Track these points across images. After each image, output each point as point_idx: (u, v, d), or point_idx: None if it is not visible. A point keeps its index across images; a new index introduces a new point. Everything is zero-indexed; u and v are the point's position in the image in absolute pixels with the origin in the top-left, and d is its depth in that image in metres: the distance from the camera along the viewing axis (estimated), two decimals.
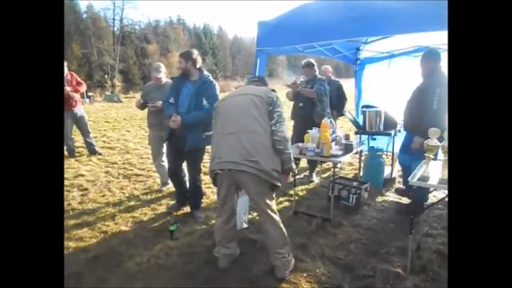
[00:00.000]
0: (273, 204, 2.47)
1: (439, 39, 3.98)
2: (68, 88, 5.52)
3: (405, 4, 2.44)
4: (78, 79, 5.91)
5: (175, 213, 3.54)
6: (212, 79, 3.34)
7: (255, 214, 3.52)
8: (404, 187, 4.00)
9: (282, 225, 2.47)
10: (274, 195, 2.54)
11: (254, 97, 2.41)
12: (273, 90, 2.51)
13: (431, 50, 3.63)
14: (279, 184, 2.44)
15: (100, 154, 6.04)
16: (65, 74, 5.56)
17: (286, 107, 3.24)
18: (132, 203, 3.83)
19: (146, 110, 4.06)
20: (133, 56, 46.29)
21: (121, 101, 16.93)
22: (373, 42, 4.60)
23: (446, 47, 4.29)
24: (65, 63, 5.64)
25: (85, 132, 6.01)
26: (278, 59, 56.99)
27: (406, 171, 3.81)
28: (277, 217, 2.45)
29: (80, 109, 5.87)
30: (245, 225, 3.19)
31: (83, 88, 6.06)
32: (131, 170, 5.14)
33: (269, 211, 2.41)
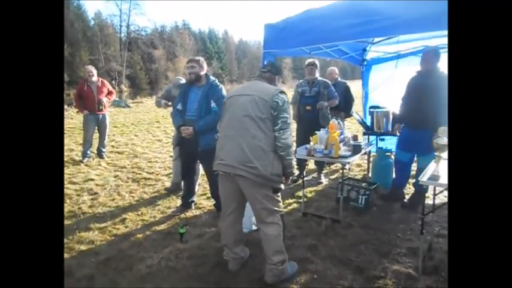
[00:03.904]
0: (275, 206, 2.38)
1: (445, 39, 3.97)
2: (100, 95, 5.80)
3: (410, 4, 2.44)
4: (110, 88, 6.14)
5: (184, 216, 3.55)
6: (218, 83, 3.45)
7: None
8: (389, 190, 4.02)
9: (279, 233, 2.37)
10: (279, 197, 2.44)
11: (258, 99, 2.30)
12: (282, 92, 2.35)
13: (434, 48, 3.63)
14: (282, 187, 2.42)
15: (103, 158, 6.12)
16: (95, 79, 5.83)
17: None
18: (141, 207, 3.85)
19: (163, 111, 4.14)
20: (140, 61, 46.81)
21: (129, 106, 17.07)
22: (379, 43, 4.58)
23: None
24: (95, 70, 5.97)
25: (102, 137, 6.11)
26: (284, 61, 57.11)
27: (402, 167, 3.81)
28: (275, 223, 2.36)
29: (105, 113, 6.02)
30: (254, 227, 3.18)
31: (113, 97, 6.34)
32: (140, 174, 5.18)
33: (265, 215, 2.35)
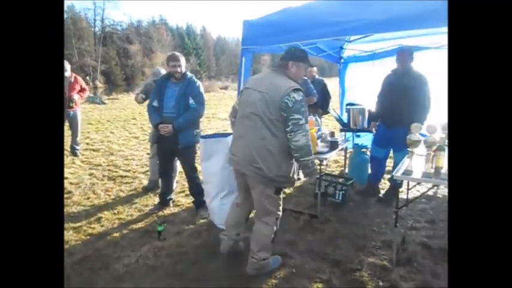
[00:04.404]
0: (273, 208, 2.41)
1: (420, 39, 4.11)
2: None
3: (386, 4, 2.52)
4: (83, 85, 5.86)
5: (162, 213, 3.51)
6: (196, 79, 3.42)
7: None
8: (365, 185, 4.14)
9: (270, 234, 2.43)
10: (281, 199, 2.47)
11: (268, 98, 2.21)
12: (295, 90, 2.20)
13: (409, 48, 3.75)
14: (285, 187, 2.45)
15: (77, 156, 5.93)
16: (68, 75, 5.52)
17: None
18: (118, 205, 3.77)
19: (140, 108, 4.04)
20: (116, 57, 45.60)
21: (104, 103, 16.58)
22: (355, 41, 4.67)
23: (426, 46, 4.42)
24: (68, 65, 5.62)
25: (74, 134, 5.91)
26: (262, 58, 57.12)
27: (378, 163, 3.93)
28: (269, 224, 2.42)
29: (76, 110, 5.80)
30: None
31: (86, 94, 6.05)
32: (116, 171, 5.07)
33: (262, 214, 2.43)
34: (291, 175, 2.37)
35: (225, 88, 29.08)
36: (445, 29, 3.43)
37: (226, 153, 3.02)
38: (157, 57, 42.88)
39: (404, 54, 3.58)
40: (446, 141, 2.29)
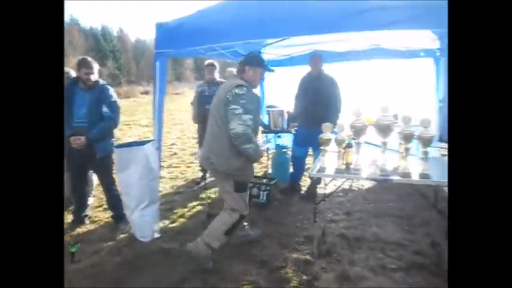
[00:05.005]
0: (232, 204, 2.52)
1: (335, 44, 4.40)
2: None
3: (302, 6, 2.47)
4: None
5: (77, 232, 3.20)
6: (109, 86, 3.22)
7: (167, 222, 3.41)
8: (288, 184, 4.33)
9: (223, 225, 2.53)
10: (242, 196, 2.53)
11: (219, 96, 2.44)
12: (238, 86, 2.35)
13: (320, 52, 4.02)
14: (244, 181, 2.51)
15: None
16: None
17: None
18: None
19: None
20: None
21: None
22: (272, 45, 4.81)
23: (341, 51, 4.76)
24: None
25: None
26: (186, 62, 56.12)
27: (298, 162, 4.15)
28: (225, 217, 2.55)
29: None
30: (157, 235, 3.05)
31: None
32: None
33: (224, 206, 2.60)
34: (243, 168, 2.44)
35: (146, 93, 27.72)
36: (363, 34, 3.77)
37: (145, 162, 2.87)
38: (70, 61, 39.23)
39: (316, 59, 3.83)
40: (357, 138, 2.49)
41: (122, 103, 3.32)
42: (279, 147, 4.71)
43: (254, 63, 2.56)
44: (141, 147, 2.89)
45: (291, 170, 4.40)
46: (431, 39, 4.37)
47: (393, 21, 2.19)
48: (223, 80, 4.65)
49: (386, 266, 2.55)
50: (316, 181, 3.08)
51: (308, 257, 2.70)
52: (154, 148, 2.99)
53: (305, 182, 4.46)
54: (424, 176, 2.25)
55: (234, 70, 3.25)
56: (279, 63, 5.37)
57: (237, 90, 2.34)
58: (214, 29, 2.76)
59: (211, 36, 2.79)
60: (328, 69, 3.99)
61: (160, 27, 2.96)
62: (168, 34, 2.92)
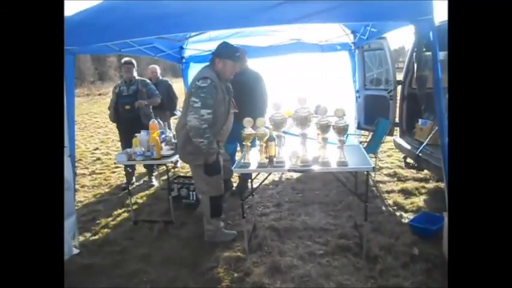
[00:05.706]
0: (202, 186, 2.73)
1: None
2: None
3: (216, 2, 2.41)
4: None
5: None
6: None
7: (88, 235, 3.15)
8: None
9: (205, 209, 2.80)
10: (212, 178, 2.67)
11: (189, 87, 2.59)
12: (202, 78, 2.45)
13: (243, 47, 4.00)
14: (204, 163, 2.58)
15: None
16: None
17: None
18: None
19: None
20: None
21: None
22: (193, 39, 4.68)
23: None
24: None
25: None
26: (108, 60, 52.44)
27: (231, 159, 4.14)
28: (202, 202, 2.84)
29: None
30: (75, 251, 2.78)
31: None
32: None
33: (199, 190, 2.85)
34: (196, 152, 2.54)
35: None
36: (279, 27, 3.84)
37: None
38: None
39: (242, 54, 3.78)
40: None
41: None
42: None
43: (223, 54, 2.55)
44: None
45: None
46: (345, 33, 4.66)
47: (304, 15, 2.26)
48: (143, 78, 4.42)
49: (315, 252, 2.64)
50: (246, 176, 3.07)
51: (240, 253, 2.68)
52: (67, 156, 2.71)
53: (236, 178, 4.44)
54: (341, 163, 2.36)
55: None
56: (203, 58, 5.25)
57: (199, 83, 2.41)
58: (125, 23, 2.56)
59: (122, 31, 2.59)
60: (253, 64, 4.00)
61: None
62: (71, 29, 2.61)
